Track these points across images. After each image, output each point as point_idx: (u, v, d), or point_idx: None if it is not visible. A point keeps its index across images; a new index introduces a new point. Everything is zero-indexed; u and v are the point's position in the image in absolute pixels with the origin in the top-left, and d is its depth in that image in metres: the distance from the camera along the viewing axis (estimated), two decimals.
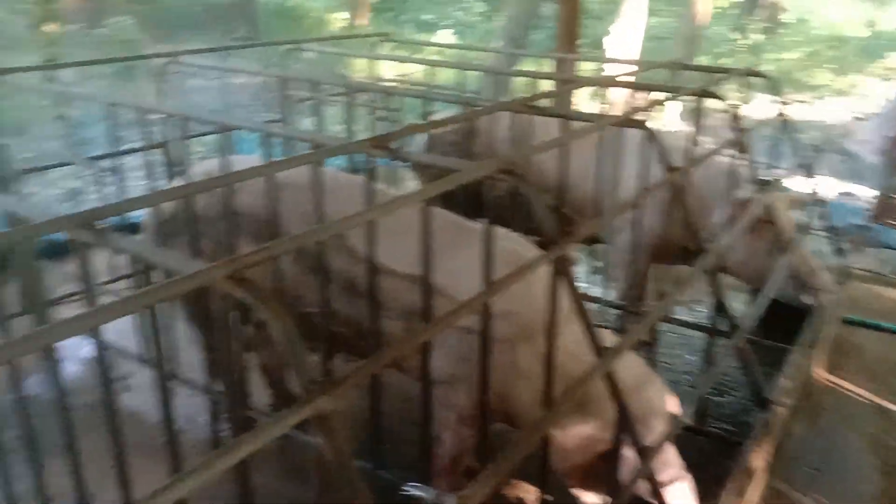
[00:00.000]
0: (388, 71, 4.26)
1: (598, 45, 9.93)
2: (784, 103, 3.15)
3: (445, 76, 6.22)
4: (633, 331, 1.75)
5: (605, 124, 2.19)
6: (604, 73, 5.18)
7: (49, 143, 5.14)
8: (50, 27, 8.73)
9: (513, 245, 2.06)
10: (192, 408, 2.83)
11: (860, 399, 3.09)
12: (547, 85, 3.64)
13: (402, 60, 3.46)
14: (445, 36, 14.05)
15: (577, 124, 2.30)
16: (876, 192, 5.34)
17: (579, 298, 1.63)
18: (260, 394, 2.78)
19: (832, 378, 3.25)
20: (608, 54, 8.95)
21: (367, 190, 1.82)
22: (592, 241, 3.54)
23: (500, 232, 2.17)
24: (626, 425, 1.65)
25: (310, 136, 1.90)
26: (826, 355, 3.34)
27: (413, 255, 1.73)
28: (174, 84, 3.50)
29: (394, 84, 3.77)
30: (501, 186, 2.88)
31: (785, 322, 3.01)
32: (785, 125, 3.13)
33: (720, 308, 2.28)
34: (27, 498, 1.91)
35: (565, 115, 2.36)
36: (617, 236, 3.28)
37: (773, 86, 3.30)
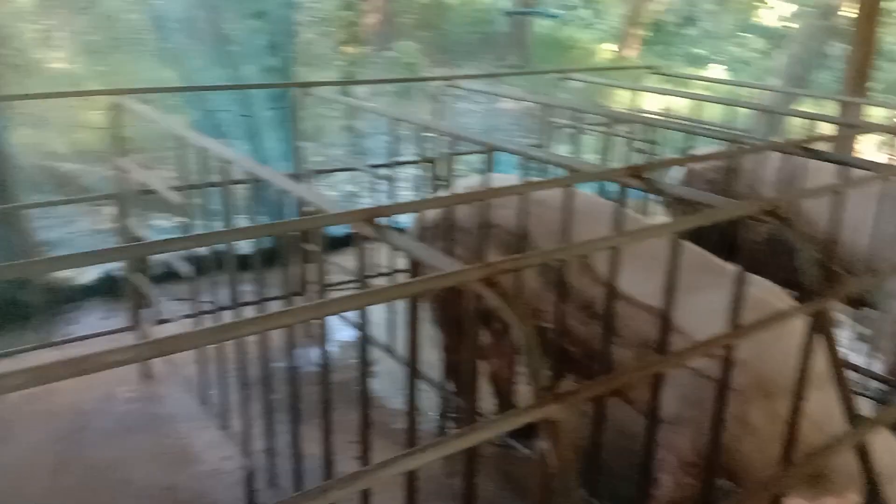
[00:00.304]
0: (652, 104, 4.22)
1: (894, 90, 8.90)
2: None
3: (712, 113, 5.99)
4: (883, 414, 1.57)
5: (891, 174, 1.99)
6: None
7: (335, 149, 5.83)
8: (348, 48, 9.86)
9: (764, 294, 1.95)
10: (423, 401, 3.05)
11: None
12: (827, 128, 3.36)
13: (668, 94, 3.42)
14: (718, 72, 13.47)
15: (857, 172, 2.12)
16: None
17: (838, 360, 1.51)
18: (486, 402, 2.89)
19: None
20: None
21: (617, 216, 1.84)
22: (861, 304, 3.19)
23: (754, 278, 2.06)
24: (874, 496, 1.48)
25: (566, 160, 1.97)
26: None
27: (655, 287, 1.72)
28: (445, 105, 3.80)
29: (656, 117, 3.73)
30: (760, 230, 2.72)
31: None
32: None
33: None
34: (284, 451, 2.20)
35: (844, 160, 2.18)
36: (891, 302, 2.93)
37: None
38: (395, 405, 3.00)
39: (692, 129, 2.44)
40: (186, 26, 3.80)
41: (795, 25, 11.83)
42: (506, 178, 2.35)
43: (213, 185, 2.63)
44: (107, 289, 3.83)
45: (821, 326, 1.47)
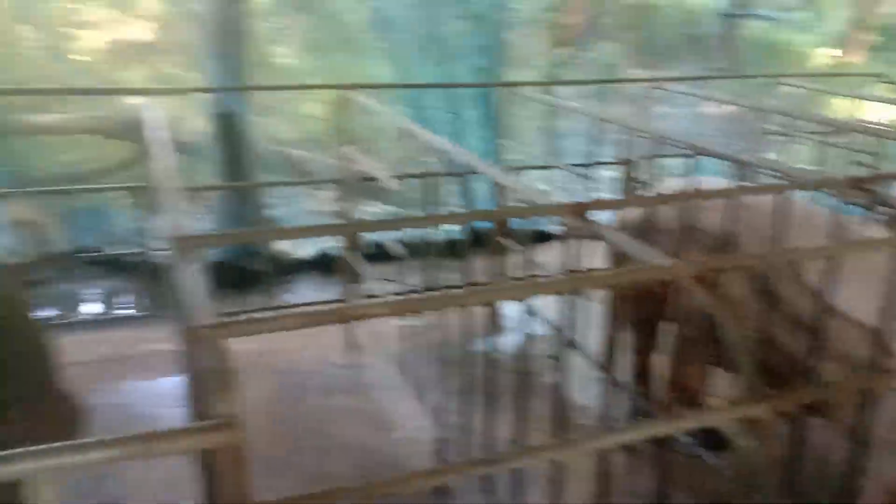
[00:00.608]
0: (874, 116, 3.92)
1: None
2: None
3: None
4: None
5: None
6: None
7: (532, 148, 5.97)
8: (551, 49, 9.96)
9: None
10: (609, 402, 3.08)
11: None
12: None
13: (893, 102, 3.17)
14: None
15: None
16: None
17: None
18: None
19: None
20: None
21: (835, 226, 1.78)
22: None
23: None
24: None
25: (781, 166, 1.93)
26: None
27: (870, 304, 1.65)
28: (644, 108, 3.78)
29: (881, 127, 3.47)
30: None
31: None
32: None
33: None
34: (475, 428, 2.35)
35: None
36: None
37: None
38: (578, 400, 3.06)
39: None
40: (404, 26, 4.10)
41: None
42: (712, 181, 2.33)
43: (429, 174, 2.85)
44: (323, 264, 4.25)
45: None
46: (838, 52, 13.55)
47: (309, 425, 2.90)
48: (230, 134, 3.98)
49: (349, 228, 2.50)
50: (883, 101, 3.31)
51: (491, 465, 0.93)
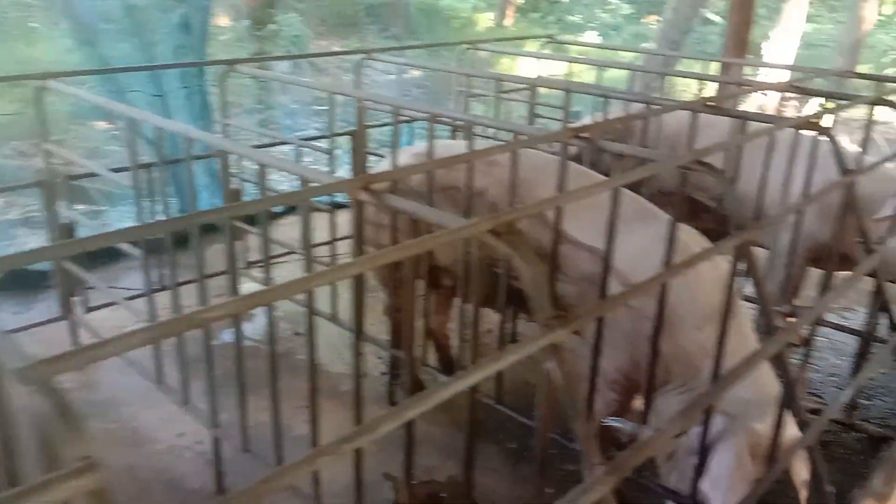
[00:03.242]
0: (546, 72, 4.47)
1: (755, 50, 9.69)
2: None
3: (593, 77, 6.37)
4: (790, 328, 1.88)
5: (784, 126, 2.32)
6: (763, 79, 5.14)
7: (251, 125, 5.72)
8: (222, 22, 9.58)
9: (686, 237, 2.24)
10: (371, 364, 3.20)
11: None
12: (714, 88, 3.73)
13: (573, 61, 3.67)
14: (591, 37, 14.08)
15: (754, 125, 2.44)
16: None
17: (759, 280, 1.79)
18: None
19: None
20: (765, 60, 8.74)
21: (562, 175, 2.05)
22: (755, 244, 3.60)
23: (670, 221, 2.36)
24: (791, 403, 1.79)
25: (510, 126, 2.16)
26: None
27: (598, 231, 1.97)
28: (352, 79, 3.90)
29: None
30: (673, 183, 3.04)
31: None
32: None
33: (881, 311, 2.34)
34: (232, 426, 2.29)
35: (745, 115, 2.50)
36: (776, 239, 3.35)
37: None
38: (339, 369, 3.14)
39: (606, 93, 2.69)
40: (95, 5, 3.67)
41: None
42: (451, 143, 2.52)
43: (146, 165, 2.64)
44: (22, 278, 3.69)
45: (744, 254, 1.74)
46: (492, 16, 15.07)
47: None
48: None
49: (61, 250, 2.09)
50: (561, 60, 3.80)
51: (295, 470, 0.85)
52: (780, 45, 8.68)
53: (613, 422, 2.01)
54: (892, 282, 3.16)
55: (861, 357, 2.62)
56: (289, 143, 3.16)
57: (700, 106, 2.38)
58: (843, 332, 3.21)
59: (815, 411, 2.26)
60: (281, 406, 2.01)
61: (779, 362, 1.79)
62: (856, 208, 2.32)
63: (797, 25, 8.78)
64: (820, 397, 3.15)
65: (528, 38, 4.86)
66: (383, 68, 5.11)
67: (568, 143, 1.98)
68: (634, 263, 2.16)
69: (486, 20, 14.94)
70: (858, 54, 11.57)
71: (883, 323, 2.39)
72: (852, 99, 2.72)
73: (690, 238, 2.27)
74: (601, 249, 2.13)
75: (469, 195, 2.34)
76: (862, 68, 12.06)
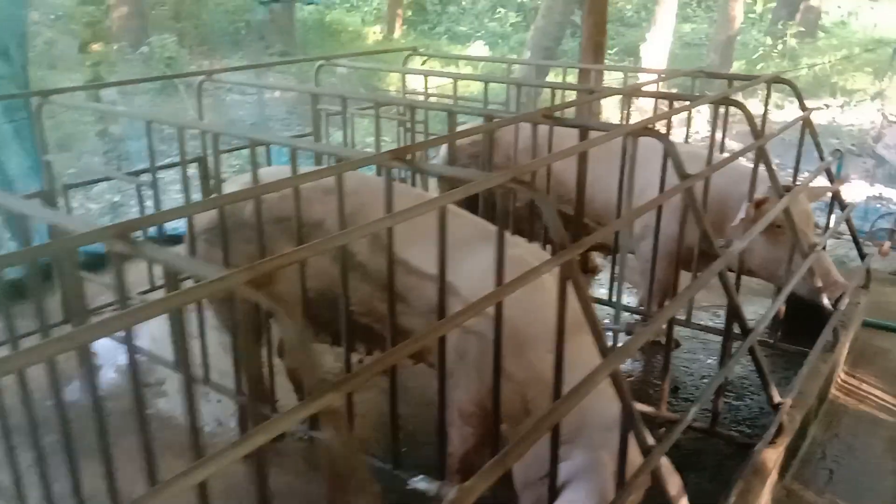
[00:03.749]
0: (421, 83, 4.36)
1: (633, 51, 9.95)
2: (805, 109, 3.16)
3: (477, 88, 6.31)
4: (640, 333, 1.80)
5: (620, 133, 2.25)
6: (630, 83, 5.20)
7: (93, 158, 5.38)
8: (96, 47, 9.07)
9: (523, 252, 2.13)
10: (223, 412, 2.97)
11: (880, 402, 3.09)
12: (572, 95, 3.70)
13: (429, 74, 3.56)
14: (479, 47, 14.16)
15: (593, 134, 2.36)
16: None
17: (587, 303, 1.69)
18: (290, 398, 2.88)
19: (852, 381, 3.24)
20: (643, 61, 8.97)
21: (387, 197, 1.90)
22: (616, 249, 3.58)
23: (515, 240, 2.25)
24: (630, 424, 1.70)
25: (334, 149, 2.00)
26: (846, 358, 3.33)
27: (435, 257, 1.84)
28: (215, 99, 3.67)
29: (420, 98, 3.87)
30: (521, 197, 2.96)
31: (813, 326, 3.01)
32: (806, 130, 3.14)
33: (733, 311, 2.31)
34: (65, 499, 2.03)
35: (583, 125, 2.43)
36: (639, 244, 3.32)
37: (796, 92, 3.33)
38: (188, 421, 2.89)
39: (452, 108, 2.58)
40: None
41: None
42: (279, 170, 2.34)
43: None
44: None
45: (569, 274, 1.64)
46: (379, 29, 14.98)
47: None
48: None
49: None
50: (418, 73, 3.67)
51: None
52: (656, 46, 8.91)
53: (417, 483, 1.87)
54: (751, 274, 3.19)
55: (722, 358, 2.59)
56: (112, 179, 2.89)
57: (537, 117, 2.29)
58: (710, 332, 3.20)
59: (673, 421, 2.22)
60: (120, 469, 1.79)
61: (615, 383, 1.70)
62: (696, 211, 2.28)
63: (669, 27, 9.04)
64: (691, 401, 3.13)
65: (388, 51, 4.74)
66: (254, 89, 4.88)
67: (387, 165, 1.84)
68: (478, 287, 2.04)
69: (374, 34, 14.82)
70: (732, 51, 12.10)
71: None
72: (696, 100, 2.70)
73: (533, 256, 2.17)
74: (447, 280, 2.01)
75: (299, 227, 2.17)
76: (735, 65, 12.63)
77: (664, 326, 2.36)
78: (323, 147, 2.09)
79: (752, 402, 3.09)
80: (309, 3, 12.27)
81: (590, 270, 4.27)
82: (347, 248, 2.19)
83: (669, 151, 2.25)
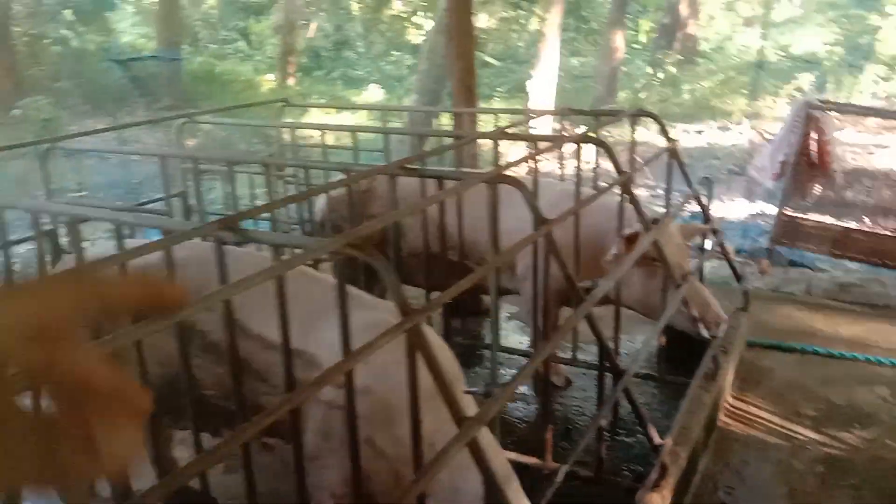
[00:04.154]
0: (296, 134, 4.25)
1: (522, 88, 10.14)
2: (669, 139, 3.22)
3: (365, 136, 6.26)
4: (498, 394, 1.71)
5: (475, 182, 2.19)
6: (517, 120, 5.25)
7: None
8: None
9: (383, 316, 2.02)
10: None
11: (768, 425, 3.11)
12: (448, 141, 3.66)
13: (297, 127, 3.45)
14: (373, 91, 14.19)
15: (449, 183, 2.30)
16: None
17: (437, 371, 1.59)
18: None
19: (740, 406, 3.26)
20: (531, 97, 9.14)
21: (219, 268, 1.76)
22: (505, 291, 3.52)
23: (379, 302, 2.14)
24: (493, 492, 1.60)
25: (159, 221, 1.85)
26: (733, 382, 3.36)
27: (303, 332, 1.71)
28: (77, 163, 3.45)
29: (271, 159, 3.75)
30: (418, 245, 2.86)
31: (699, 353, 3.00)
32: (674, 159, 3.18)
33: (604, 352, 2.27)
34: None
35: (439, 175, 2.36)
36: (523, 284, 3.27)
37: (660, 124, 3.39)
38: None
39: (305, 163, 2.47)
40: None
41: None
42: (138, 242, 2.16)
43: None
44: None
45: (416, 341, 1.54)
46: (273, 77, 14.82)
47: None
48: None
49: None
50: (287, 126, 3.56)
51: None
52: (542, 82, 9.11)
53: None
54: (629, 308, 3.18)
55: (599, 398, 2.54)
56: None
57: (395, 169, 2.21)
58: (594, 370, 3.16)
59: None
60: None
61: (473, 452, 1.60)
62: (556, 255, 2.23)
63: (554, 62, 9.27)
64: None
65: (256, 104, 4.61)
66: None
67: (214, 235, 1.70)
68: (334, 354, 1.91)
69: (268, 82, 14.64)
70: (616, 83, 12.55)
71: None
72: (556, 140, 2.69)
73: (395, 317, 2.06)
74: (307, 351, 1.87)
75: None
76: (621, 95, 13.10)
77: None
78: (148, 220, 1.93)
79: (645, 437, 3.05)
80: (172, 60, 11.99)
81: (482, 312, 4.21)
82: (197, 326, 2.03)
83: (525, 197, 2.20)
